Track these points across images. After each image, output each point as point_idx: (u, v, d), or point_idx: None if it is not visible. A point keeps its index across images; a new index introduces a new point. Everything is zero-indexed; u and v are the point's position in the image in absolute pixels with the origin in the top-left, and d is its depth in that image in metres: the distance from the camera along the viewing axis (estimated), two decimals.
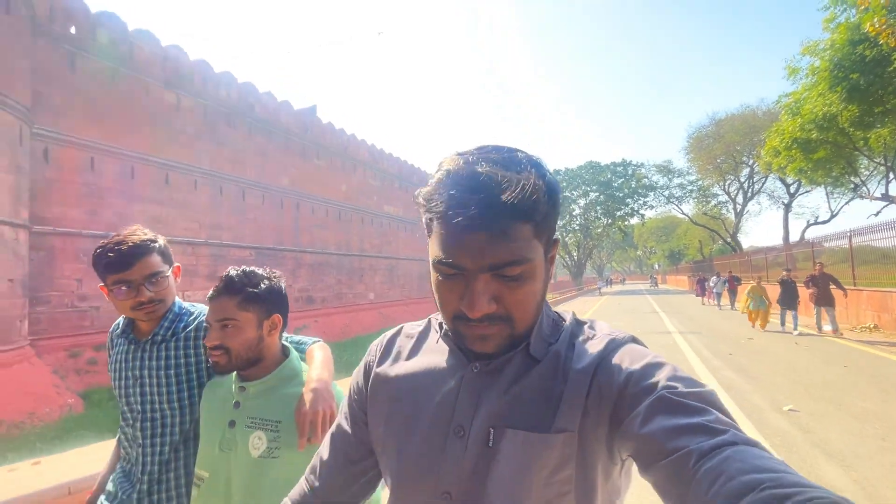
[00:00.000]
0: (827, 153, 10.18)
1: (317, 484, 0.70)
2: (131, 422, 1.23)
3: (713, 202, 31.15)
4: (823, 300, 9.80)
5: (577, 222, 37.62)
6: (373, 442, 0.67)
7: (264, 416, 1.06)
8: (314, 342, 1.32)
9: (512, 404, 0.55)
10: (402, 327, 0.73)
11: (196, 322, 1.30)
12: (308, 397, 1.04)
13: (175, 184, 18.80)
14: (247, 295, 1.09)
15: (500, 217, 0.51)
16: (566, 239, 38.91)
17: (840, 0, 8.45)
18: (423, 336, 0.69)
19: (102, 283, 1.22)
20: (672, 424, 0.44)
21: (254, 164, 22.76)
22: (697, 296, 21.81)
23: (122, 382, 1.25)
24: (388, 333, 0.73)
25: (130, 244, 1.19)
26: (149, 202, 17.69)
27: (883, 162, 11.27)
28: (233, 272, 1.13)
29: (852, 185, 14.21)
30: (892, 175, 11.92)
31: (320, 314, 25.95)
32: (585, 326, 0.62)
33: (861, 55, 7.82)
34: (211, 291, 1.12)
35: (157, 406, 1.21)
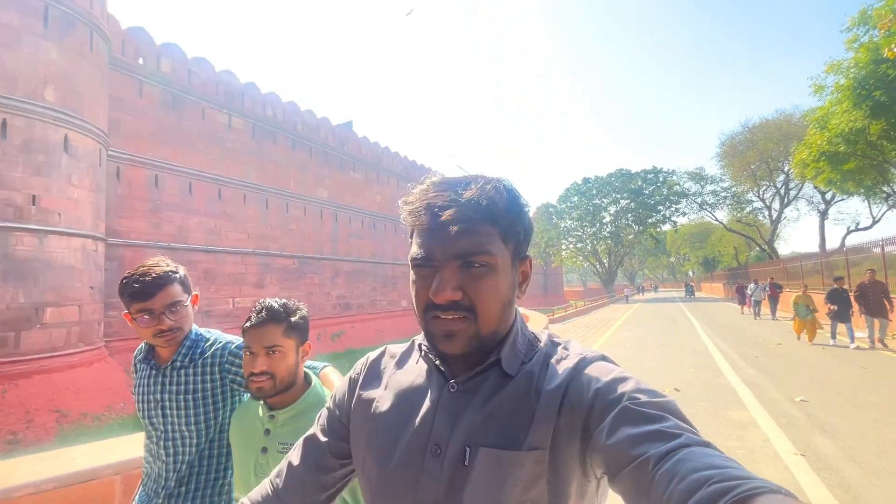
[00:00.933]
0: (857, 164, 10.39)
1: (280, 487, 0.71)
2: (155, 440, 1.30)
3: (748, 209, 30.57)
4: (876, 311, 8.86)
5: (608, 229, 37.53)
6: (353, 457, 0.68)
7: (294, 441, 1.12)
8: (324, 367, 1.38)
9: (486, 423, 0.57)
10: (385, 348, 0.75)
11: (212, 349, 1.35)
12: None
13: (226, 198, 20.27)
14: (290, 323, 1.16)
15: (467, 212, 0.57)
16: (597, 247, 38.83)
17: (862, 21, 8.83)
18: (405, 357, 0.71)
19: (126, 311, 1.28)
20: (633, 433, 0.46)
21: (296, 178, 24.16)
22: (738, 304, 20.46)
23: (145, 406, 1.32)
24: (373, 354, 0.75)
25: (154, 275, 1.25)
26: (204, 215, 19.18)
27: None
28: (270, 302, 1.18)
29: (885, 195, 14.11)
30: None
31: (356, 320, 27.04)
32: (560, 347, 0.63)
33: (884, 73, 8.13)
34: (252, 320, 1.16)
35: (177, 427, 1.28)
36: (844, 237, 21.60)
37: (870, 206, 16.46)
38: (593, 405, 0.52)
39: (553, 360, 0.61)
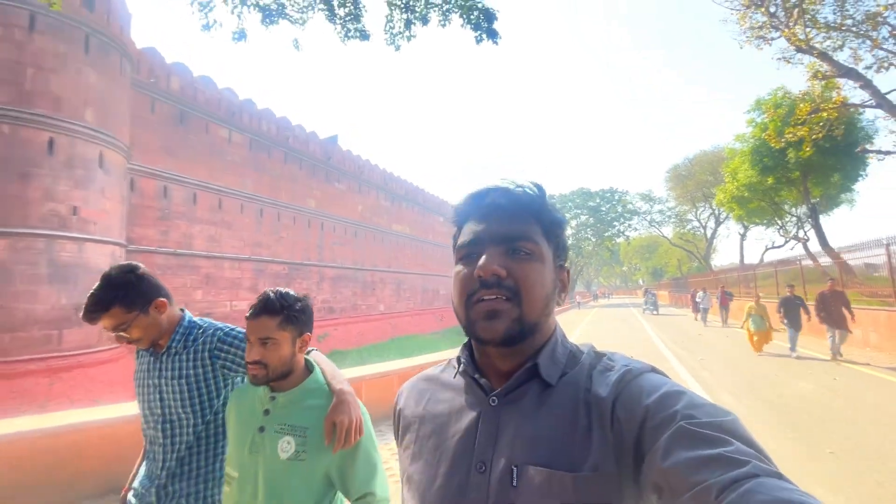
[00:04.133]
0: (757, 205, 14.13)
1: None
2: (153, 424, 1.35)
3: (688, 226, 35.40)
4: (837, 321, 8.37)
5: (570, 242, 41.37)
6: (402, 482, 0.67)
7: (293, 422, 1.16)
8: (310, 351, 1.37)
9: (533, 438, 0.54)
10: (424, 372, 0.75)
11: (204, 335, 1.39)
12: (340, 408, 1.16)
13: (226, 207, 21.65)
14: (286, 316, 1.18)
15: (513, 204, 0.61)
16: None
17: (756, 107, 12.40)
18: (442, 376, 0.71)
19: None
20: (691, 457, 0.43)
21: (287, 189, 25.72)
22: (693, 311, 20.13)
23: (144, 390, 1.37)
24: (410, 380, 0.76)
25: (95, 298, 1.26)
26: (206, 224, 20.49)
27: (794, 213, 15.29)
28: (271, 294, 1.20)
29: (778, 226, 18.16)
30: (805, 219, 15.77)
31: (339, 323, 28.69)
32: (604, 358, 0.61)
33: (769, 145, 11.46)
34: (251, 310, 1.19)
35: (174, 411, 1.33)
36: (763, 254, 25.93)
37: (783, 230, 20.49)
38: (644, 423, 0.49)
39: (597, 371, 0.58)
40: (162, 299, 1.36)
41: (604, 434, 0.52)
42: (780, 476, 0.41)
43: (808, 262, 13.29)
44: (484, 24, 5.65)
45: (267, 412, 1.19)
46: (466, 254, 0.61)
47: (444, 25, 6.11)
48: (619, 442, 0.51)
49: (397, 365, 5.63)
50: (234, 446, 1.22)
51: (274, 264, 24.30)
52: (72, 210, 13.34)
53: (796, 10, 8.05)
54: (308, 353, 1.34)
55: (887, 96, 8.12)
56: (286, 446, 1.14)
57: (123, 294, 1.29)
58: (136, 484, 1.38)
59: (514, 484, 0.52)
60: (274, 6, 6.11)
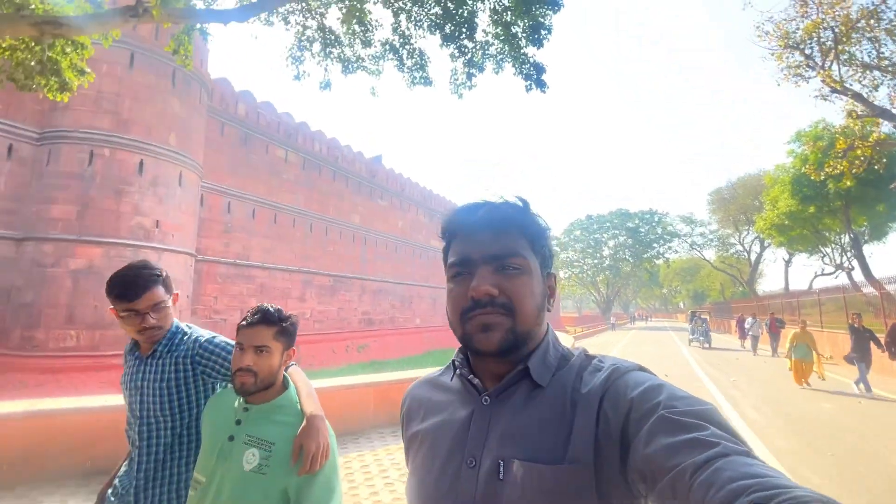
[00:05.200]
0: (799, 233, 14.05)
1: None
2: (134, 426, 1.38)
3: (732, 250, 34.49)
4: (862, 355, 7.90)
5: (607, 262, 41.07)
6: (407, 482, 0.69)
7: (261, 436, 1.17)
8: (290, 365, 1.38)
9: (518, 434, 0.57)
10: (427, 376, 0.78)
11: (187, 341, 1.44)
12: (310, 432, 1.17)
13: (280, 222, 23.31)
14: (281, 328, 1.22)
15: (499, 222, 0.64)
16: (596, 277, 42.36)
17: (797, 139, 12.55)
18: (441, 378, 0.74)
19: (113, 307, 1.37)
20: (670, 442, 0.46)
21: (335, 205, 27.30)
22: (739, 338, 19.00)
23: (128, 392, 1.40)
24: (417, 382, 0.80)
25: (139, 278, 1.35)
26: (262, 237, 22.16)
27: (838, 241, 15.05)
28: (268, 307, 1.25)
29: (822, 254, 17.77)
30: (849, 249, 15.44)
31: (378, 335, 29.77)
32: (595, 360, 0.64)
33: (807, 176, 11.63)
34: (248, 319, 1.23)
35: (153, 413, 1.35)
36: (812, 280, 25.07)
37: (832, 257, 19.90)
38: (629, 415, 0.52)
39: (587, 372, 0.61)
40: (177, 293, 1.49)
41: (587, 428, 0.54)
42: (748, 454, 0.43)
43: (851, 293, 13.10)
44: (534, 75, 6.47)
45: (238, 422, 1.21)
46: (457, 273, 0.64)
47: (497, 73, 6.99)
48: (604, 435, 0.53)
49: (370, 379, 5.95)
50: (204, 452, 1.24)
51: (320, 276, 25.73)
52: (155, 223, 15.04)
53: (832, 52, 8.42)
54: (287, 367, 1.37)
55: None
56: (251, 458, 1.16)
57: (162, 278, 1.42)
58: (116, 482, 1.41)
59: (500, 477, 0.55)
60: (353, 58, 7.20)
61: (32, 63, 5.56)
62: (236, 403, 1.25)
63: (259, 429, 1.19)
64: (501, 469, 0.56)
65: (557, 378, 0.62)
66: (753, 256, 32.65)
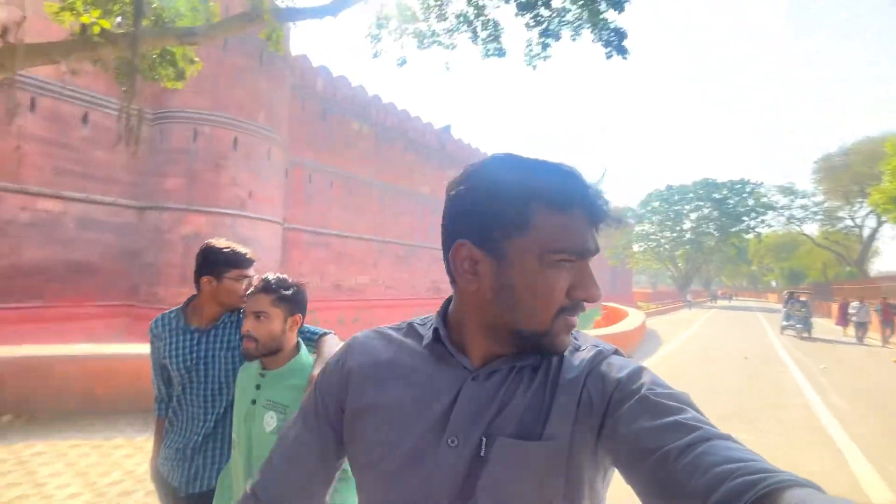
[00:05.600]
0: None
1: (267, 490, 0.65)
2: (193, 392, 1.46)
3: (840, 225, 30.36)
4: None
5: (688, 236, 38.28)
6: (349, 450, 0.64)
7: (276, 399, 1.26)
8: (325, 333, 1.51)
9: (504, 413, 0.56)
10: (379, 331, 0.68)
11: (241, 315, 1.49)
12: (313, 380, 1.23)
13: (355, 192, 24.51)
14: (279, 295, 1.28)
15: (609, 211, 0.57)
16: (675, 252, 39.69)
17: None
18: (406, 340, 0.66)
19: (214, 275, 1.47)
20: (652, 425, 0.46)
21: (406, 176, 28.04)
22: (837, 324, 17.43)
23: (184, 364, 1.46)
24: (362, 335, 0.69)
25: (248, 251, 1.55)
26: (340, 207, 23.51)
27: None
28: (270, 276, 1.32)
29: None
30: None
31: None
32: (572, 337, 0.61)
33: None
34: (251, 289, 1.32)
35: (219, 378, 1.46)
36: None
37: None
38: (613, 395, 0.52)
39: (568, 351, 0.59)
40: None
41: (567, 407, 0.54)
42: (728, 437, 0.44)
43: None
44: (615, 40, 6.21)
45: (258, 387, 1.30)
46: (567, 259, 0.54)
47: (574, 40, 6.79)
48: (584, 414, 0.53)
49: None
50: (236, 415, 1.33)
51: (393, 245, 26.90)
52: (248, 194, 16.58)
53: None
54: (325, 335, 1.49)
55: None
56: (270, 420, 1.24)
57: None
58: (164, 452, 1.50)
59: (482, 454, 0.54)
60: (428, 32, 7.34)
61: (154, 56, 6.40)
62: (255, 369, 1.33)
63: (274, 392, 1.27)
64: (483, 446, 0.54)
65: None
66: (867, 233, 28.64)
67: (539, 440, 0.53)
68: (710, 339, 13.34)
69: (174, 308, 1.54)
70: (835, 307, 19.17)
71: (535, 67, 6.67)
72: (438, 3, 7.11)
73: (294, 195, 21.20)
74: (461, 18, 7.13)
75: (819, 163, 28.22)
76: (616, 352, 0.61)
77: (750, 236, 36.10)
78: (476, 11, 7.04)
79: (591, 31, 6.49)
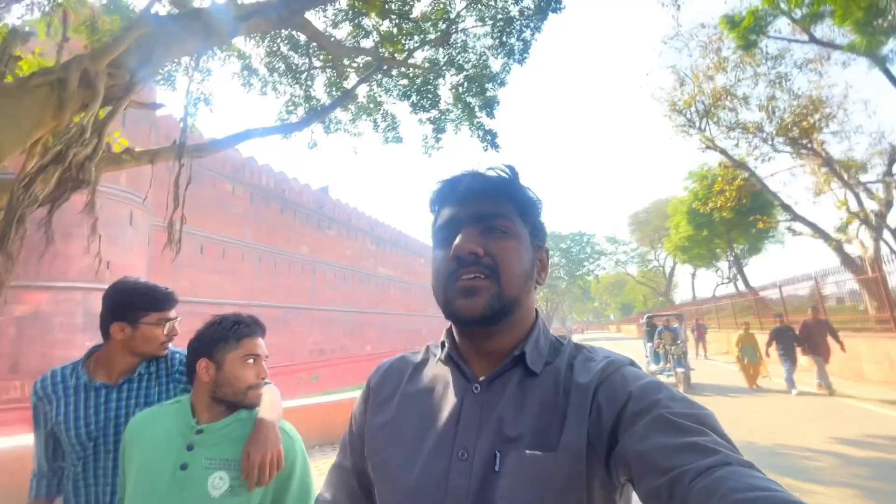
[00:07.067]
0: (696, 252, 17.55)
1: None
2: (98, 466, 1.21)
3: (650, 265, 39.23)
4: (821, 350, 8.04)
5: (546, 281, 44.61)
6: (371, 470, 0.65)
7: (225, 456, 1.06)
8: (266, 383, 1.28)
9: (515, 424, 0.55)
10: (401, 355, 0.73)
11: (168, 359, 1.36)
12: (255, 441, 1.06)
13: (229, 256, 23.19)
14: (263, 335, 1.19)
15: (486, 185, 0.62)
16: (536, 295, 45.49)
17: (690, 177, 15.99)
18: (422, 362, 0.70)
19: (128, 321, 1.25)
20: (668, 443, 0.45)
21: (283, 237, 27.46)
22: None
23: (87, 429, 1.21)
24: (387, 362, 0.74)
25: (170, 290, 1.36)
26: (211, 273, 21.93)
27: (726, 258, 18.81)
28: (246, 316, 1.21)
29: (715, 269, 21.66)
30: (732, 265, 19.33)
31: (330, 364, 29.68)
32: (584, 350, 0.63)
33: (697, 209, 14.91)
34: (251, 327, 1.18)
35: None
36: (714, 289, 29.32)
37: (724, 271, 23.81)
38: (625, 409, 0.51)
39: (578, 360, 0.60)
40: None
41: (580, 417, 0.53)
42: (750, 465, 0.43)
43: (738, 299, 16.30)
44: (489, 138, 8.08)
45: (190, 447, 1.06)
46: (443, 237, 0.61)
47: (455, 133, 8.55)
48: (595, 425, 0.52)
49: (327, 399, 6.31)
50: (144, 488, 1.03)
51: (271, 309, 25.61)
52: (105, 264, 14.81)
53: (704, 118, 11.17)
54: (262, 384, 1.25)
55: (766, 180, 11.39)
56: (218, 482, 1.04)
57: None
58: None
59: (497, 469, 0.53)
60: (334, 121, 8.43)
61: None
62: (182, 425, 1.09)
63: (221, 449, 1.07)
64: (497, 461, 0.54)
65: (550, 366, 0.60)
66: (668, 270, 37.29)
67: (555, 449, 0.53)
68: None
69: (68, 363, 1.31)
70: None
71: (430, 156, 8.16)
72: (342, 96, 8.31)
73: (160, 263, 19.29)
74: (362, 110, 8.40)
75: (631, 217, 36.63)
76: (631, 363, 0.60)
77: (591, 278, 43.61)
78: (375, 107, 8.39)
79: (469, 129, 8.31)
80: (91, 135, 2.67)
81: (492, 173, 0.63)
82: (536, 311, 0.66)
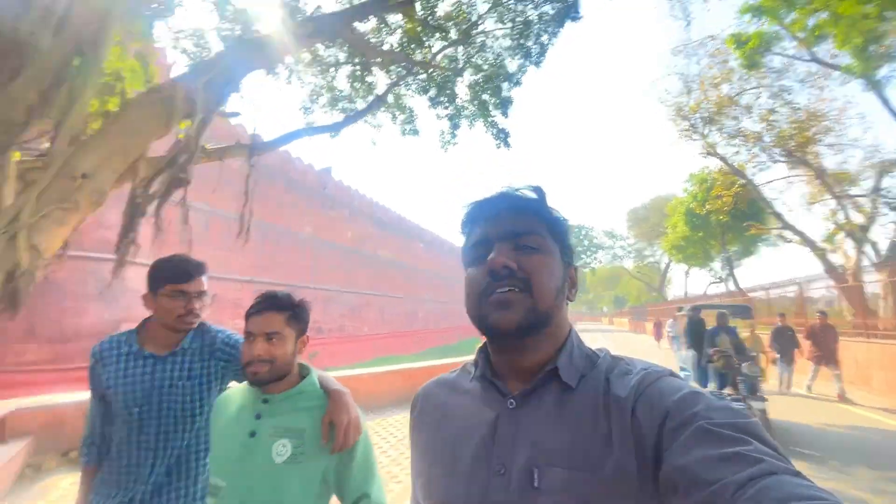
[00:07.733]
0: (692, 252, 18.34)
1: None
2: (142, 430, 1.27)
3: (646, 261, 40.00)
4: (829, 358, 7.77)
5: None
6: (418, 490, 0.67)
7: (289, 425, 1.12)
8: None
9: (554, 440, 0.55)
10: (438, 378, 0.76)
11: (206, 336, 1.42)
12: (337, 407, 1.13)
13: (234, 232, 23.52)
14: (293, 313, 1.18)
15: (517, 203, 0.65)
16: None
17: (688, 180, 16.60)
18: (457, 381, 0.72)
19: (151, 291, 1.34)
20: (709, 455, 0.44)
21: (287, 215, 27.81)
22: (656, 339, 20.78)
23: (133, 396, 1.28)
24: (426, 385, 0.77)
25: (189, 263, 1.37)
26: (218, 248, 22.30)
27: (720, 259, 19.60)
28: (274, 291, 1.22)
29: (709, 268, 22.40)
30: (724, 266, 20.08)
31: (328, 343, 30.39)
32: (622, 362, 0.62)
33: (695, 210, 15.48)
34: (255, 306, 1.17)
35: (172, 414, 1.29)
36: (707, 287, 30.15)
37: (717, 271, 24.54)
38: (665, 422, 0.50)
39: (615, 373, 0.59)
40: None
41: (624, 435, 0.52)
42: (797, 474, 0.41)
43: (727, 300, 16.99)
44: (501, 136, 8.50)
45: (258, 416, 1.14)
46: (476, 255, 0.63)
47: (470, 128, 8.96)
48: (638, 442, 0.51)
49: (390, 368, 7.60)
50: (220, 454, 1.14)
51: (272, 286, 26.05)
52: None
53: (707, 125, 11.64)
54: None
55: (763, 188, 12.05)
56: (281, 449, 1.10)
57: (206, 269, 1.48)
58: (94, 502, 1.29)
59: (536, 485, 0.53)
60: (353, 112, 8.82)
61: None
62: (252, 397, 1.18)
63: (285, 418, 1.14)
64: (536, 477, 0.53)
65: (586, 380, 0.60)
66: (663, 266, 38.05)
67: (601, 470, 0.51)
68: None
69: (125, 331, 1.39)
70: (649, 325, 25.02)
71: (446, 150, 8.58)
72: (364, 87, 8.68)
73: (167, 237, 19.64)
74: (382, 102, 8.78)
75: (630, 213, 37.21)
76: (671, 374, 0.58)
77: (587, 270, 44.39)
78: (395, 100, 8.77)
79: (484, 125, 8.72)
80: (191, 142, 3.14)
81: (520, 193, 0.67)
82: (570, 325, 0.67)
